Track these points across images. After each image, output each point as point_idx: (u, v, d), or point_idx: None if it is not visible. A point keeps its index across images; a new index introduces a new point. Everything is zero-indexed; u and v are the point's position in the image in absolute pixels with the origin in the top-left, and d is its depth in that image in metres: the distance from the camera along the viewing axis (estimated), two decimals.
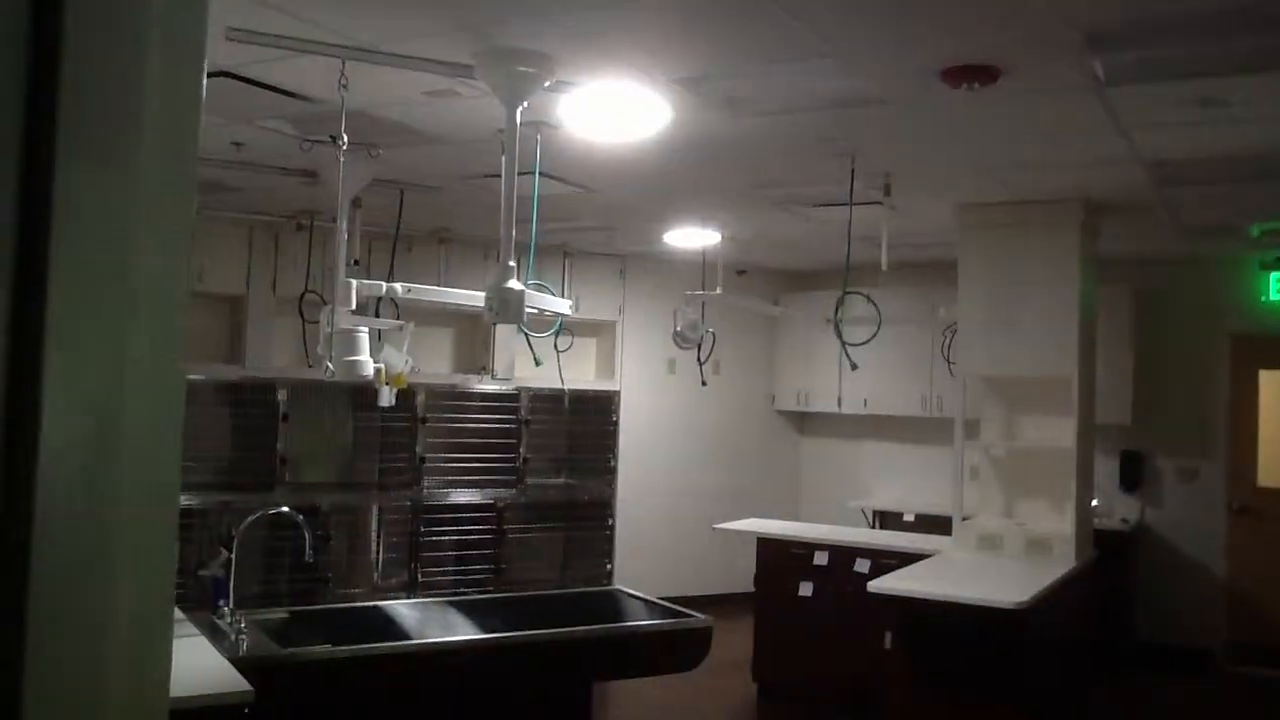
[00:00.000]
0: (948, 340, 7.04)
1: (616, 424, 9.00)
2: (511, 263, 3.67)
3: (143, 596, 0.75)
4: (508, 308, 3.61)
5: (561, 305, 4.20)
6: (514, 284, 3.62)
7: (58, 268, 0.70)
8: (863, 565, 6.41)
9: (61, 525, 0.70)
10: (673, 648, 4.22)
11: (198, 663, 3.10)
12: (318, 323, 5.01)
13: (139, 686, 0.74)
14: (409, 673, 3.61)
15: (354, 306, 3.79)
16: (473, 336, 8.63)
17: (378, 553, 8.03)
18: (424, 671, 3.64)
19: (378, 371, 3.92)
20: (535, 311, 4.01)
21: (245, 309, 7.61)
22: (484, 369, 8.48)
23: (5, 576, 0.68)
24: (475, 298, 3.79)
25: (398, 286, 3.95)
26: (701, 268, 7.64)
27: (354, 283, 3.82)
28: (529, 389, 8.50)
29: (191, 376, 7.33)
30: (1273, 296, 8.04)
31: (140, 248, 0.74)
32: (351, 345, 3.77)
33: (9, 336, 0.69)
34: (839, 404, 9.44)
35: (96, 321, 0.73)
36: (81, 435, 0.72)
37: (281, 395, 7.58)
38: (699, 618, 4.29)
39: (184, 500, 7.25)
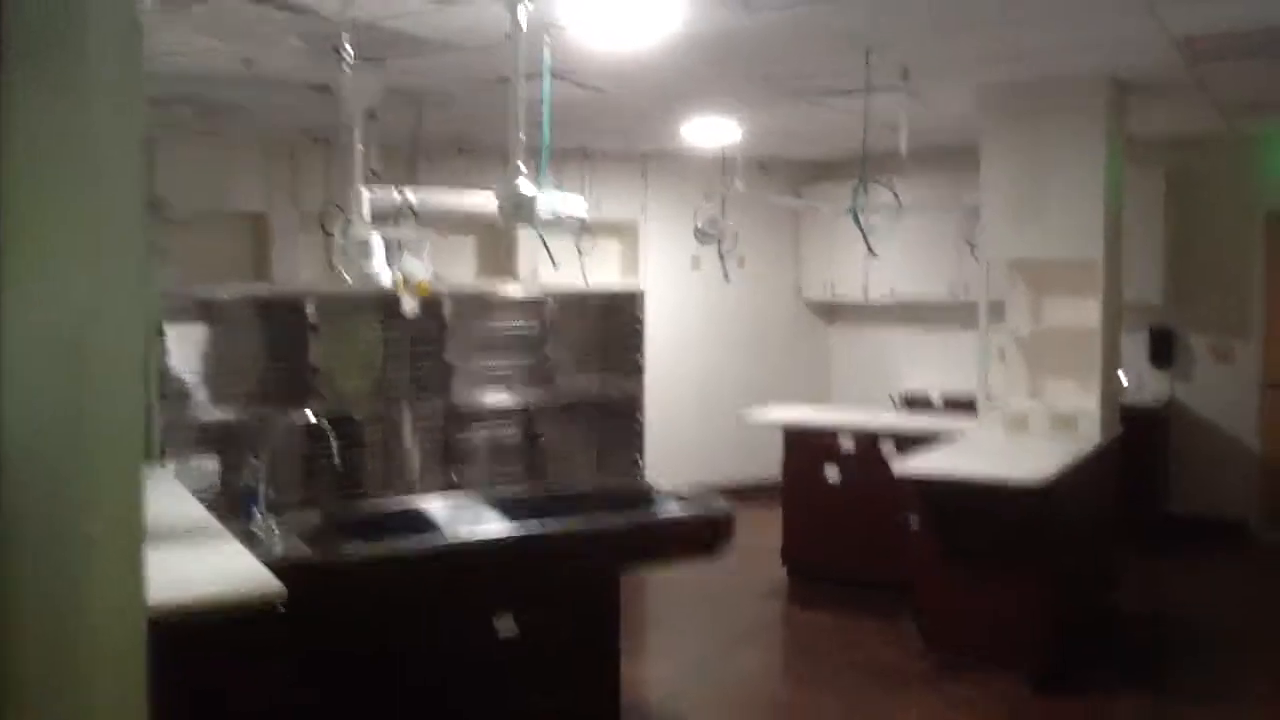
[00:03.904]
0: (971, 225, 7.00)
1: (642, 323, 9.04)
2: (521, 165, 3.68)
3: (115, 510, 0.80)
4: (519, 210, 3.63)
5: (576, 205, 4.20)
6: (525, 186, 3.64)
7: (13, 190, 0.74)
8: (888, 448, 6.48)
9: (30, 450, 0.75)
10: (696, 535, 4.31)
11: (232, 566, 3.21)
12: None
13: (118, 599, 0.80)
14: (439, 568, 3.72)
15: (367, 216, 3.83)
16: (495, 243, 8.66)
17: (413, 458, 8.18)
18: (453, 566, 3.75)
19: (395, 279, 3.97)
20: (550, 214, 4.03)
21: (269, 226, 7.67)
22: (508, 274, 8.53)
23: None
24: (487, 202, 3.81)
25: (410, 192, 3.98)
26: (723, 163, 7.60)
27: (366, 192, 3.85)
28: (554, 292, 8.54)
29: (220, 294, 7.43)
30: None
31: (96, 167, 0.78)
32: (366, 254, 3.82)
33: None
34: (865, 293, 9.43)
35: (56, 241, 0.77)
36: (45, 360, 0.76)
37: (310, 309, 7.66)
38: (721, 506, 4.38)
39: (220, 414, 7.40)
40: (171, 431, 7.30)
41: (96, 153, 0.77)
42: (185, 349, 7.40)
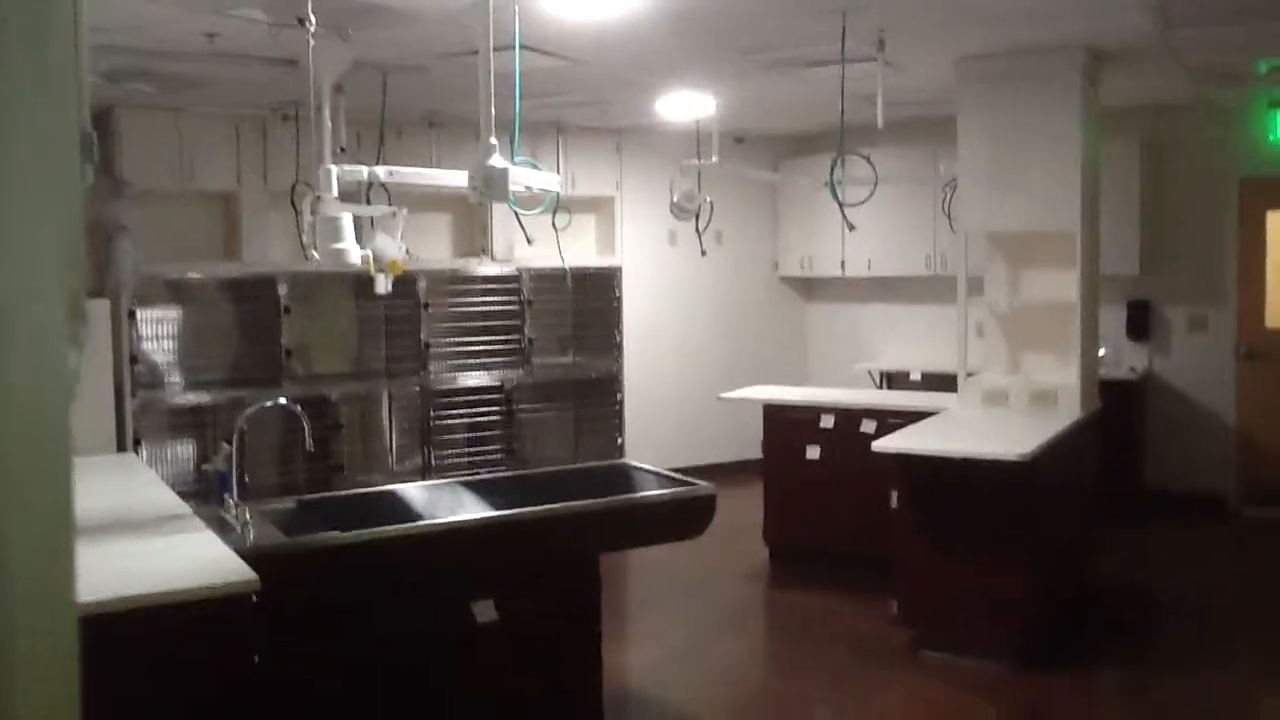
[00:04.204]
0: (949, 198, 6.94)
1: (620, 300, 8.98)
2: (493, 140, 3.59)
3: (38, 503, 0.73)
4: (491, 186, 3.54)
5: (550, 181, 4.12)
6: (497, 161, 3.55)
7: None
8: (868, 426, 6.43)
9: None
10: (677, 517, 4.24)
11: (203, 555, 3.14)
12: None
13: (43, 600, 0.73)
14: (415, 554, 3.65)
15: (335, 193, 3.73)
16: (471, 220, 8.55)
17: (391, 439, 8.11)
18: (430, 552, 3.68)
19: (365, 258, 3.87)
20: (523, 189, 3.94)
21: (239, 204, 7.54)
22: (483, 251, 8.43)
23: None
24: (459, 178, 3.72)
25: (379, 170, 3.87)
26: (698, 137, 7.50)
27: (334, 169, 3.75)
28: (530, 269, 8.47)
29: (190, 275, 7.31)
30: None
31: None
32: (335, 233, 3.72)
33: None
34: (842, 268, 9.38)
35: None
36: None
37: (282, 289, 7.57)
38: (703, 486, 4.31)
39: (193, 398, 7.31)
40: (147, 416, 7.21)
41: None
42: (157, 331, 7.29)
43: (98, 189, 6.89)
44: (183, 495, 4.01)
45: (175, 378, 7.36)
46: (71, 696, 0.77)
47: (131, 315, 7.14)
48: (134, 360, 7.15)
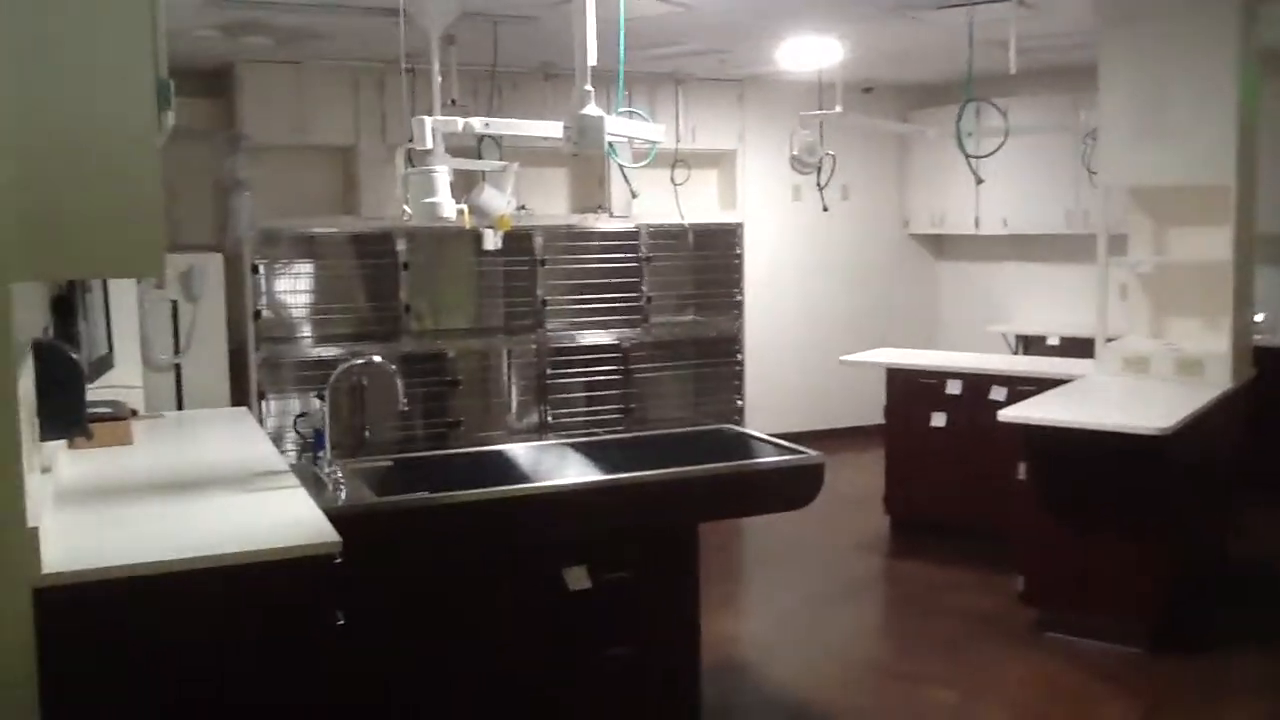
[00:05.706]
0: (1090, 149, 6.51)
1: (741, 257, 8.75)
2: (588, 87, 3.42)
3: None
4: (586, 135, 3.38)
5: (651, 131, 3.93)
6: (591, 110, 3.39)
7: None
8: (998, 393, 6.11)
9: None
10: (781, 486, 4.03)
11: (291, 514, 3.08)
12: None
13: None
14: (505, 518, 3.54)
15: (429, 145, 3.62)
16: (589, 175, 8.40)
17: (509, 396, 8.08)
18: (521, 516, 3.56)
19: (460, 212, 3.76)
20: (621, 139, 3.77)
21: (357, 159, 7.55)
22: (600, 207, 8.28)
23: None
24: (554, 128, 3.57)
25: (475, 121, 3.75)
26: (820, 87, 7.20)
27: (427, 120, 3.64)
28: (649, 226, 8.30)
29: (313, 229, 7.36)
30: None
31: None
32: (428, 186, 3.61)
33: None
34: (976, 225, 8.96)
35: None
36: None
37: (400, 244, 7.57)
38: (810, 454, 4.09)
39: (318, 352, 7.37)
40: (271, 370, 7.31)
41: None
42: (281, 285, 7.38)
43: (214, 144, 6.97)
44: (296, 451, 3.99)
45: (300, 332, 7.45)
46: (29, 662, 0.64)
47: (255, 270, 7.23)
48: (257, 314, 7.24)
